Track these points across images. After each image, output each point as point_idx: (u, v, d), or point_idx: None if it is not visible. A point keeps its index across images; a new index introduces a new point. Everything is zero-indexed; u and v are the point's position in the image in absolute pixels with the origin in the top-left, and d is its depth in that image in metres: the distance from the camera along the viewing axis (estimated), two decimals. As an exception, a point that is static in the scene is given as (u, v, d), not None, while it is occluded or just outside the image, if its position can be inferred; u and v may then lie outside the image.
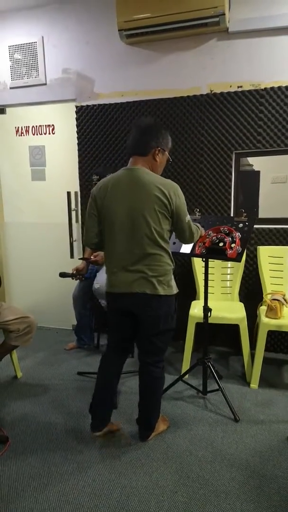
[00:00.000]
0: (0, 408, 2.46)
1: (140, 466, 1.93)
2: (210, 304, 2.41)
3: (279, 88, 2.82)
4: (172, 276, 1.97)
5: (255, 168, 3.14)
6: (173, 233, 2.45)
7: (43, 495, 1.76)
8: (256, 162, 3.12)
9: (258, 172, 3.14)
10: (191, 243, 2.10)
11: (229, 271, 3.08)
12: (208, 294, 2.41)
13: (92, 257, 2.47)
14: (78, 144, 3.37)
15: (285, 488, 1.78)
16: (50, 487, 1.81)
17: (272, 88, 2.84)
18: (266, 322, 2.56)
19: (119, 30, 2.92)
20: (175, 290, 1.98)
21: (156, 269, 1.89)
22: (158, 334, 1.98)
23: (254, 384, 2.64)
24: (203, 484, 1.81)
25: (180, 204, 1.89)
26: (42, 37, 3.36)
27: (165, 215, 1.86)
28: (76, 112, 3.34)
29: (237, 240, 2.18)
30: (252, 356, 2.68)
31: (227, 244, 2.19)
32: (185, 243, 2.10)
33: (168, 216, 1.87)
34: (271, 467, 1.91)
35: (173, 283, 1.97)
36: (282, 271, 2.93)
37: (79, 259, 2.75)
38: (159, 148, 1.91)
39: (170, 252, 1.96)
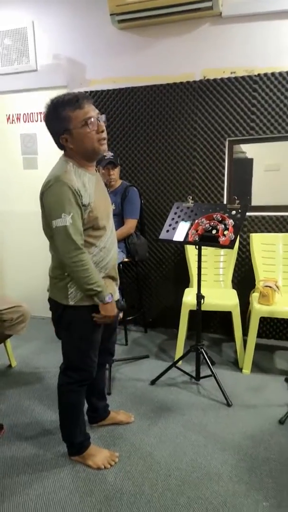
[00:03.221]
0: (-5, 396, 2.47)
1: (134, 451, 1.95)
2: (203, 292, 2.42)
3: (273, 74, 2.80)
4: (73, 285, 1.64)
5: (248, 155, 3.13)
6: (167, 220, 2.45)
7: (38, 481, 1.78)
8: (249, 150, 3.11)
9: (251, 159, 3.13)
10: (70, 266, 1.57)
11: (222, 258, 3.09)
12: (201, 282, 2.42)
13: None
14: (70, 131, 3.33)
15: (277, 470, 1.81)
16: (45, 473, 1.83)
17: (265, 74, 2.81)
18: (258, 308, 2.58)
19: (110, 15, 2.87)
20: (71, 300, 1.65)
21: (51, 269, 1.72)
22: (61, 338, 1.79)
23: (247, 370, 2.67)
24: (196, 467, 1.84)
25: (46, 202, 1.56)
26: (33, 22, 3.29)
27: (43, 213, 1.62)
28: (68, 99, 3.29)
29: (230, 227, 2.18)
30: (245, 342, 2.71)
31: (220, 231, 2.19)
32: (59, 257, 1.60)
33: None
34: (263, 449, 1.95)
35: (71, 292, 1.65)
36: (274, 258, 2.94)
37: None
38: (62, 137, 1.57)
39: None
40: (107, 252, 1.71)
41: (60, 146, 1.63)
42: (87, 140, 1.55)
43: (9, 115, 3.58)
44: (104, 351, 1.94)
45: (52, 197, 1.54)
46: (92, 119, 1.53)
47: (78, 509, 1.63)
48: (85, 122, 1.53)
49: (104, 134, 1.59)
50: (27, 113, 3.53)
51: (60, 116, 1.53)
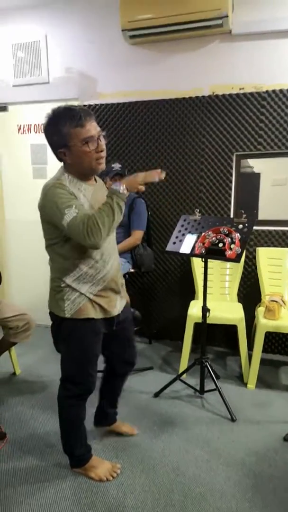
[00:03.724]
0: (-2, 405, 2.47)
1: (137, 465, 1.94)
2: (208, 304, 2.42)
3: (281, 91, 2.83)
4: (70, 297, 1.66)
5: (256, 170, 3.16)
6: (174, 232, 2.47)
7: (40, 491, 1.77)
8: (256, 164, 3.13)
9: (259, 174, 3.15)
10: (100, 237, 1.48)
11: (228, 271, 3.10)
12: (207, 294, 2.42)
13: None
14: (80, 143, 3.38)
15: (281, 488, 1.79)
16: (47, 483, 1.82)
17: (274, 91, 2.85)
18: (264, 323, 2.58)
19: (122, 30, 2.93)
20: (67, 313, 1.65)
21: (50, 280, 1.74)
22: (60, 350, 1.78)
23: (251, 385, 2.65)
24: (199, 483, 1.83)
25: (48, 211, 1.55)
26: (46, 36, 3.37)
27: (44, 220, 1.62)
28: (78, 111, 3.35)
29: (236, 241, 2.19)
30: (250, 356, 2.70)
31: (226, 244, 2.20)
32: (90, 244, 1.50)
33: (46, 221, 1.61)
34: (267, 466, 1.92)
35: (67, 304, 1.65)
36: (280, 272, 2.94)
37: None
38: (60, 151, 1.58)
39: (69, 267, 1.64)
40: (103, 264, 1.68)
41: (59, 158, 1.64)
42: (86, 158, 1.55)
43: (20, 125, 3.64)
44: (121, 362, 1.95)
45: (50, 203, 1.54)
46: (93, 139, 1.53)
47: (80, 521, 1.62)
48: (86, 141, 1.52)
49: (103, 153, 1.58)
50: (38, 124, 3.59)
51: (60, 132, 1.52)
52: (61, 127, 1.52)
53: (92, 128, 1.54)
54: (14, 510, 1.67)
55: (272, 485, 1.81)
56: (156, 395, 2.55)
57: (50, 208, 1.55)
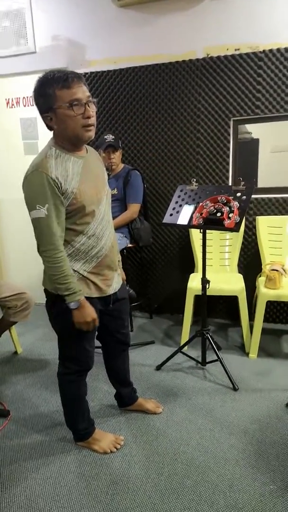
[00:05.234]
0: (1, 383, 2.48)
1: (140, 435, 1.95)
2: (208, 276, 2.37)
3: (278, 50, 2.70)
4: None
5: (254, 136, 3.05)
6: (170, 203, 2.40)
7: (45, 465, 1.79)
8: (255, 130, 3.02)
9: (257, 140, 3.05)
10: (43, 260, 1.60)
11: (227, 242, 3.05)
12: (207, 266, 2.38)
13: None
14: (71, 115, 3.26)
15: (284, 453, 1.80)
16: (52, 457, 1.84)
17: (271, 51, 2.71)
18: (265, 292, 2.54)
19: (109, -9, 2.77)
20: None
21: None
22: (54, 328, 1.75)
23: (253, 354, 2.65)
24: (202, 451, 1.84)
25: (24, 193, 1.50)
26: (30, 2, 3.20)
27: None
28: (68, 81, 3.21)
29: (235, 210, 2.12)
30: (251, 327, 2.68)
31: (225, 214, 2.13)
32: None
33: None
34: (270, 433, 1.93)
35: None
36: (281, 241, 2.89)
37: None
38: (46, 115, 1.49)
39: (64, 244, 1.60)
40: (96, 240, 1.62)
41: (47, 126, 1.54)
42: (71, 123, 1.46)
43: (8, 99, 3.51)
44: (115, 342, 1.93)
45: (27, 188, 1.49)
46: (78, 102, 1.43)
47: (85, 492, 1.63)
48: (70, 104, 1.43)
49: (91, 120, 1.48)
50: (27, 97, 3.45)
51: (46, 94, 1.45)
52: (47, 89, 1.44)
53: (80, 91, 1.44)
54: (20, 485, 1.69)
55: (275, 451, 1.82)
56: (158, 368, 2.55)
57: (25, 192, 1.51)
